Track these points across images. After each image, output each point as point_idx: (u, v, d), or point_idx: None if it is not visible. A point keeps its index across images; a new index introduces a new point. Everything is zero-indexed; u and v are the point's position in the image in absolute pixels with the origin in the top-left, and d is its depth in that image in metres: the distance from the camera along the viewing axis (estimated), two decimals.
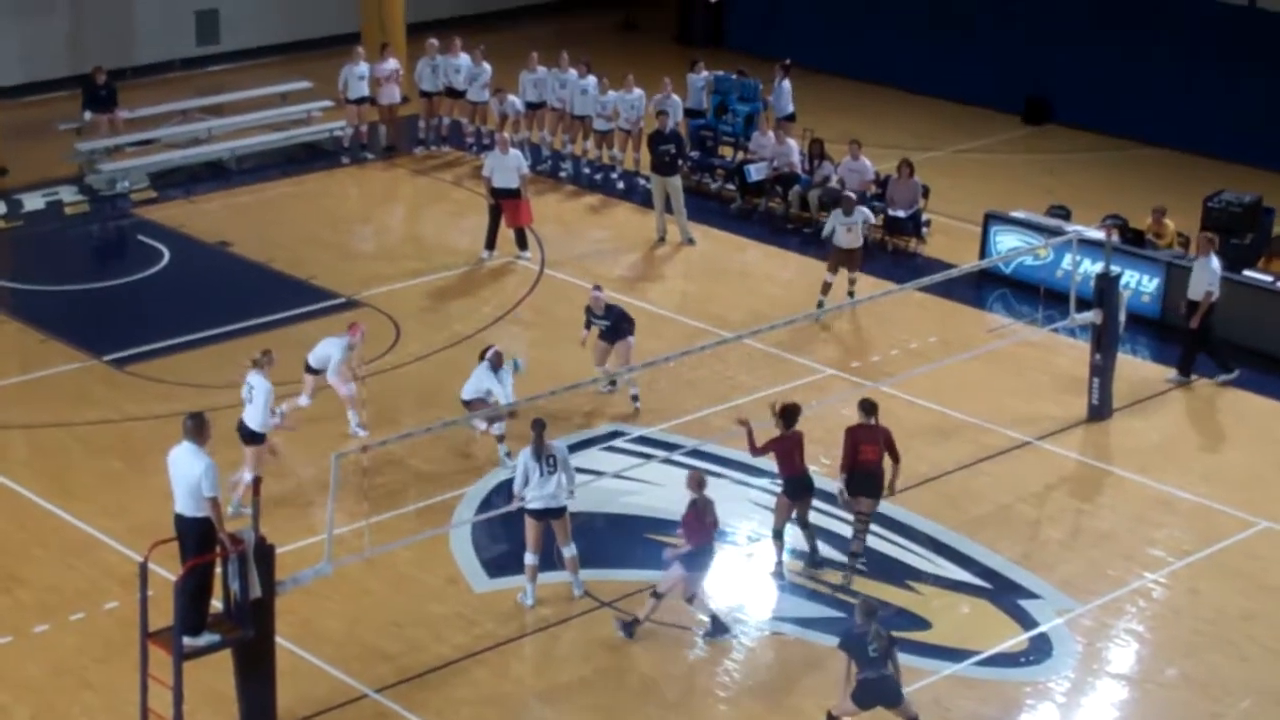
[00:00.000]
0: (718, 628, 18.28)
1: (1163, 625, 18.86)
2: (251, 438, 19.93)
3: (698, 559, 17.93)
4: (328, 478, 17.02)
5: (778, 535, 19.40)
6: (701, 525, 17.79)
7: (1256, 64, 32.74)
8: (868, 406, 19.15)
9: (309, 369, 21.85)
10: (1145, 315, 25.97)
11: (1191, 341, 24.26)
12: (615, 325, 22.76)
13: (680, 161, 29.31)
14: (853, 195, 26.18)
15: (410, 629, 18.30)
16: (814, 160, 30.31)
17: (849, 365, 24.32)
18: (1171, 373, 24.44)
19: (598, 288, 23.12)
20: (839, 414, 21.32)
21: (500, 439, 21.28)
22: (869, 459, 19.00)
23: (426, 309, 26.16)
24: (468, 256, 28.25)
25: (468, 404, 21.09)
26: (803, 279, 27.73)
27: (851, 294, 25.70)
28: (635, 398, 22.88)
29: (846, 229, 25.69)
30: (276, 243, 28.72)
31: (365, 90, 32.65)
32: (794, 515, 19.38)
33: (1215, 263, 24.03)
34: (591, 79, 31.86)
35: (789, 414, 19.12)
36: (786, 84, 32.41)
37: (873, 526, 19.72)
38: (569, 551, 18.62)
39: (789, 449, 19.06)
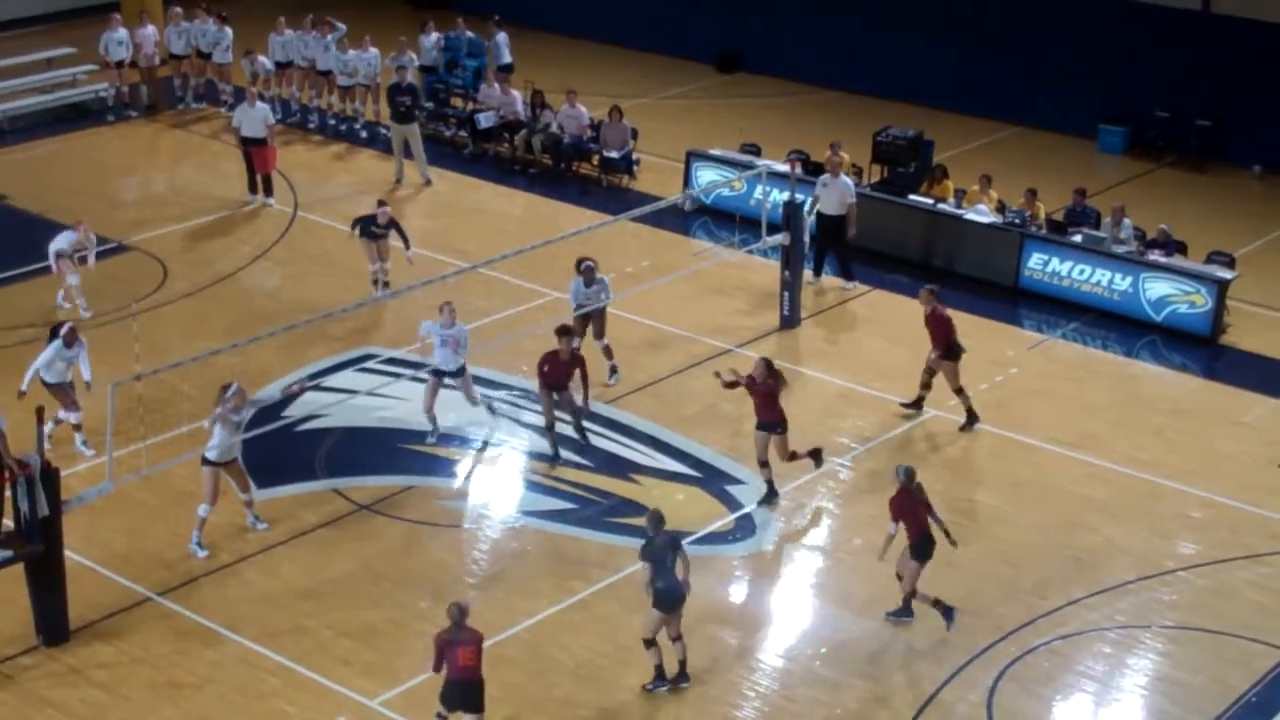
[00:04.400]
0: None
1: (848, 502, 19.35)
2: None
3: None
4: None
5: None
6: None
7: (915, 17, 33.45)
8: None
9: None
10: None
11: (845, 249, 24.85)
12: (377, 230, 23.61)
13: (416, 110, 29.02)
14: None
15: (187, 538, 17.98)
16: (536, 109, 30.21)
17: None
18: (841, 282, 24.99)
19: (382, 203, 23.99)
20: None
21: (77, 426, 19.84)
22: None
23: (189, 251, 25.56)
24: (224, 202, 27.63)
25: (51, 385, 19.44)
26: (530, 214, 27.72)
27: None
28: None
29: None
30: (49, 195, 27.78)
31: (125, 54, 31.69)
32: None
33: (845, 180, 24.82)
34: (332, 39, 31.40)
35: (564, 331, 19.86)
36: (502, 36, 32.32)
37: (598, 427, 19.89)
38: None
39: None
